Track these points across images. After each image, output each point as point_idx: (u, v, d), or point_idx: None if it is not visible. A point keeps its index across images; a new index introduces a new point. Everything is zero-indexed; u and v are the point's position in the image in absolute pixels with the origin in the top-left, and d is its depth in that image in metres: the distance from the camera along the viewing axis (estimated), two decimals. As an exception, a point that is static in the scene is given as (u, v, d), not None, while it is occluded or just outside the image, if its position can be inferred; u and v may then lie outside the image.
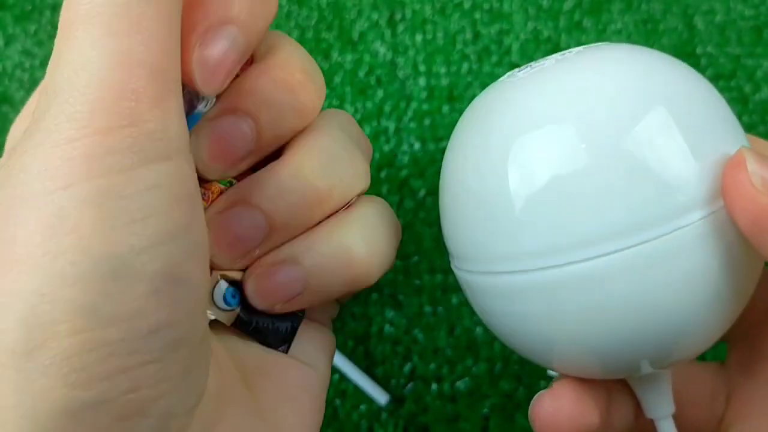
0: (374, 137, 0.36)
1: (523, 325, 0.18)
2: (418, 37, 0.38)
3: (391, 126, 0.36)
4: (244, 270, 0.20)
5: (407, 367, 0.32)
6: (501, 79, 0.19)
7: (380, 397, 0.31)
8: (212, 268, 0.19)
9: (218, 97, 0.19)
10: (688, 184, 0.16)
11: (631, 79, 0.17)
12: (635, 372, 0.18)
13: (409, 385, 0.32)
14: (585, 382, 0.19)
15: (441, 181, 0.20)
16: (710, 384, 0.22)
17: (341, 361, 0.31)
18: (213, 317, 0.19)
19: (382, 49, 0.38)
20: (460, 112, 0.21)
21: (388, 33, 0.39)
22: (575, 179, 0.16)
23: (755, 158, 0.16)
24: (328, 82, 0.38)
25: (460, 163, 0.19)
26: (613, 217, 0.16)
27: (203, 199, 0.19)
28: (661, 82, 0.17)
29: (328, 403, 0.32)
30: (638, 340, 0.17)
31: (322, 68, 0.39)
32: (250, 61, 0.20)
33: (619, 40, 0.38)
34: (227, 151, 0.19)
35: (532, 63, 0.19)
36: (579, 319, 0.17)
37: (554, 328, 0.17)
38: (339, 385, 0.32)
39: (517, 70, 0.19)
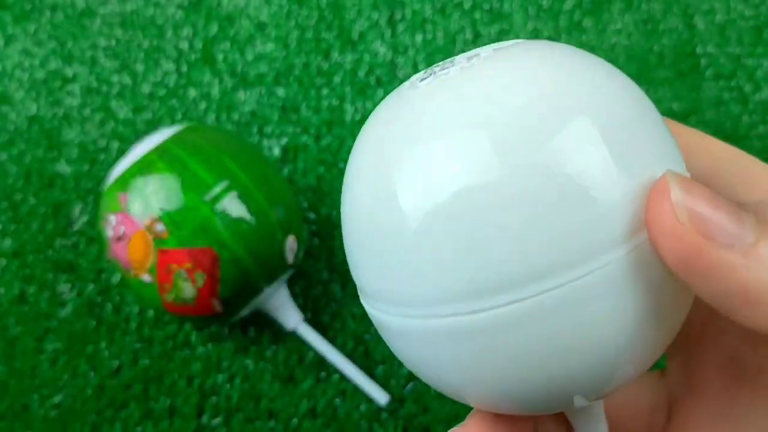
0: (374, 137, 0.36)
1: (436, 368, 0.16)
2: (418, 37, 0.38)
3: (391, 126, 0.36)
4: None
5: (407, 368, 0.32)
6: (402, 86, 0.17)
7: (380, 397, 0.31)
8: None
9: None
10: (610, 217, 0.14)
11: (546, 86, 0.14)
12: (567, 407, 0.16)
13: (409, 385, 0.32)
14: (503, 416, 0.18)
15: (342, 206, 0.17)
16: (650, 395, 0.21)
17: (341, 361, 0.31)
18: None
19: (382, 49, 0.38)
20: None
21: (388, 33, 0.39)
22: (478, 217, 0.13)
23: (680, 185, 0.14)
24: (328, 82, 0.38)
25: (356, 189, 0.16)
26: (526, 259, 0.13)
27: None
28: (582, 88, 0.15)
29: (328, 403, 0.32)
30: (567, 382, 0.15)
31: (321, 68, 0.39)
32: None
33: (619, 40, 0.38)
34: None
35: (437, 65, 0.16)
36: (499, 364, 0.14)
37: (472, 373, 0.15)
38: (339, 385, 0.32)
39: (419, 75, 0.16)
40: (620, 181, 0.14)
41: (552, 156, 0.13)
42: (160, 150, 0.28)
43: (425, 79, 0.16)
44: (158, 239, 0.27)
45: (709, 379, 0.19)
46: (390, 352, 0.32)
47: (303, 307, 0.33)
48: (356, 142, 0.17)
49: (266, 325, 0.33)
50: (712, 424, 0.18)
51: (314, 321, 0.33)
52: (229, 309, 0.29)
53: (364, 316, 0.33)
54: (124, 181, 0.28)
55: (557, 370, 0.14)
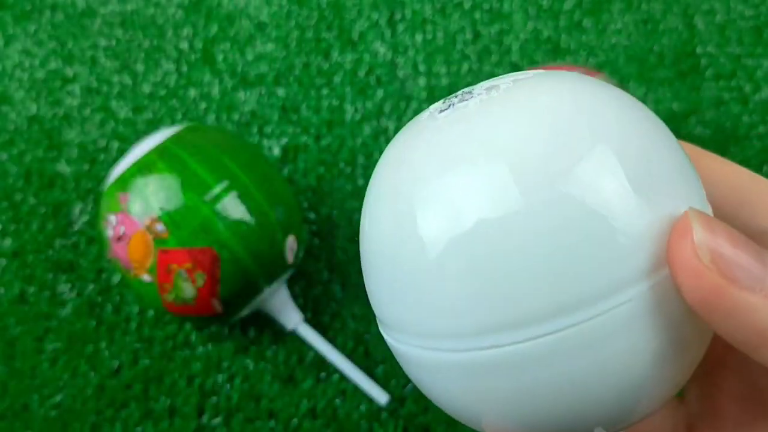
0: (374, 137, 0.36)
1: (454, 399, 0.16)
2: (418, 37, 0.38)
3: (391, 126, 0.36)
4: None
5: (407, 367, 0.32)
6: (420, 117, 0.17)
7: (380, 396, 0.31)
8: None
9: None
10: (632, 252, 0.13)
11: (566, 119, 0.14)
12: None
13: (409, 385, 0.32)
14: None
15: (360, 238, 0.17)
16: (670, 421, 0.21)
17: (341, 361, 0.31)
18: None
19: (382, 49, 0.38)
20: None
21: (388, 33, 0.39)
22: (498, 250, 0.13)
23: (703, 224, 0.13)
24: (328, 82, 0.38)
25: (375, 222, 0.16)
26: (546, 294, 0.13)
27: None
28: (602, 121, 0.14)
29: (328, 402, 0.32)
30: (586, 417, 0.15)
31: (321, 68, 0.39)
32: None
33: (619, 40, 0.38)
34: None
35: (456, 96, 0.16)
36: (518, 399, 0.14)
37: (490, 407, 0.15)
38: (339, 385, 0.32)
39: (438, 106, 0.16)
40: (642, 215, 0.14)
41: (573, 190, 0.13)
42: (160, 150, 0.28)
43: (444, 111, 0.16)
44: (158, 239, 0.27)
45: (728, 408, 0.19)
46: (390, 352, 0.32)
47: (303, 307, 0.33)
48: (375, 171, 0.17)
49: (266, 325, 0.33)
50: None
51: (314, 321, 0.33)
52: (229, 309, 0.29)
53: (364, 317, 0.33)
54: (124, 181, 0.28)
55: (578, 404, 0.14)
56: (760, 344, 0.13)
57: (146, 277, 0.27)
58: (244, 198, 0.28)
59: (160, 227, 0.27)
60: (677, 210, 0.14)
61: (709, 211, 0.16)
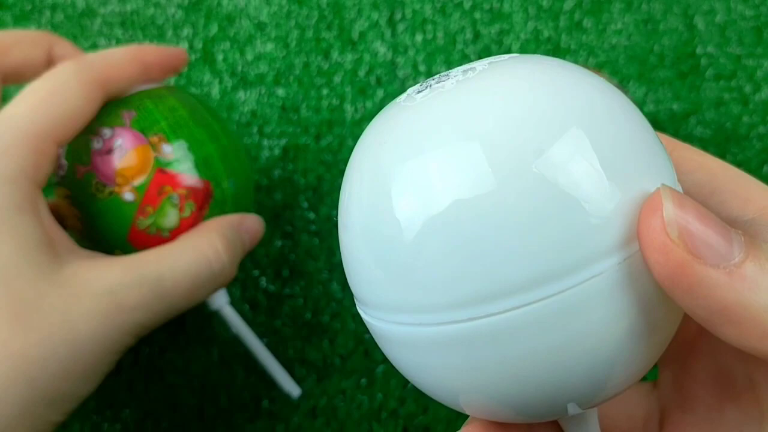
0: (374, 137, 0.36)
1: (431, 376, 0.16)
2: (418, 37, 0.38)
3: (391, 126, 0.36)
4: None
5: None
6: (398, 99, 0.17)
7: (293, 389, 0.31)
8: None
9: None
10: (602, 227, 0.14)
11: (541, 99, 0.15)
12: (561, 415, 0.17)
13: (410, 385, 0.32)
14: (498, 424, 0.18)
15: (339, 217, 0.17)
16: (643, 406, 0.21)
17: (260, 349, 0.31)
18: None
19: (382, 49, 0.38)
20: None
21: (388, 33, 0.39)
22: (472, 227, 0.14)
23: (674, 201, 0.14)
24: (328, 82, 0.38)
25: (354, 201, 0.16)
26: (521, 268, 0.14)
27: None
28: (576, 102, 0.15)
29: (328, 402, 0.32)
30: (560, 390, 0.15)
31: (321, 68, 0.39)
32: None
33: (619, 40, 0.38)
34: None
35: (433, 78, 0.16)
36: (494, 372, 0.15)
37: (467, 381, 0.15)
38: (339, 385, 0.32)
39: (416, 88, 0.16)
40: (612, 192, 0.14)
41: (545, 168, 0.14)
42: (169, 88, 0.29)
43: (421, 91, 0.16)
44: (161, 159, 0.27)
45: (700, 391, 0.19)
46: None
47: (303, 307, 0.33)
48: (353, 154, 0.17)
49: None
50: None
51: (314, 321, 0.33)
52: None
53: (364, 316, 0.33)
54: (131, 102, 0.27)
55: (551, 378, 0.15)
56: (722, 321, 0.14)
57: (128, 196, 0.26)
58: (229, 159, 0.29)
59: (167, 149, 0.27)
60: (649, 188, 0.14)
61: (680, 189, 0.16)
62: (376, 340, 0.17)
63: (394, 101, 0.17)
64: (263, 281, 0.34)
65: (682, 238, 0.13)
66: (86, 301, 0.23)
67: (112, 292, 0.23)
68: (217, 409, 0.32)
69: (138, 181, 0.26)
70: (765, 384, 0.17)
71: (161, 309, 0.24)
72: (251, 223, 0.28)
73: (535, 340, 0.14)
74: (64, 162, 0.27)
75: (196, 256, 0.25)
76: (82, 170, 0.27)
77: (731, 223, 0.17)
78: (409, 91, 0.17)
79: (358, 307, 0.18)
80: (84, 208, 0.27)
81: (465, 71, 0.16)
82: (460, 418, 0.31)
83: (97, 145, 0.27)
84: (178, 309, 0.25)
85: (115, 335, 0.23)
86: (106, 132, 0.27)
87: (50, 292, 0.23)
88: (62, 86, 0.25)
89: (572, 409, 0.16)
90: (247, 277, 0.34)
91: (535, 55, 0.17)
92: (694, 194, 0.18)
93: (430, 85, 0.16)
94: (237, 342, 0.33)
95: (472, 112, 0.14)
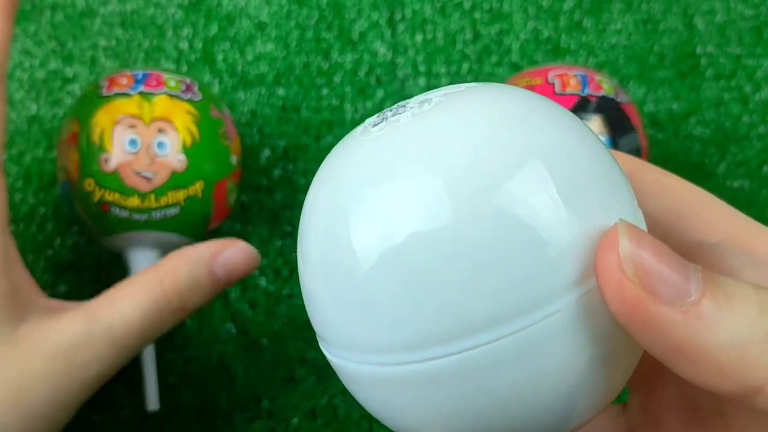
0: (374, 137, 0.36)
1: (395, 414, 0.16)
2: (418, 37, 0.38)
3: (391, 126, 0.36)
4: None
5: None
6: (354, 131, 0.17)
7: (152, 403, 0.30)
8: None
9: None
10: (561, 263, 0.14)
11: (496, 131, 0.14)
12: None
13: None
14: None
15: (297, 253, 0.17)
16: (612, 428, 0.21)
17: (148, 358, 0.30)
18: None
19: (382, 49, 0.38)
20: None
21: (388, 33, 0.39)
22: (428, 263, 0.13)
23: (630, 237, 0.13)
24: (328, 82, 0.38)
25: (311, 235, 0.16)
26: (480, 306, 0.13)
27: None
28: (532, 134, 0.15)
29: (329, 402, 0.32)
30: (524, 425, 0.15)
31: (321, 68, 0.39)
32: None
33: (619, 40, 0.38)
34: None
35: (390, 110, 0.16)
36: (457, 411, 0.14)
37: (431, 419, 0.15)
38: (339, 385, 0.32)
39: (372, 120, 0.16)
40: (572, 227, 0.14)
41: (503, 203, 0.13)
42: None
43: (378, 124, 0.16)
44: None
45: (667, 417, 0.19)
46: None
47: (303, 307, 0.33)
48: (311, 186, 0.17)
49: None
50: None
51: (314, 321, 0.33)
52: None
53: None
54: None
55: (515, 414, 0.15)
56: (678, 359, 0.13)
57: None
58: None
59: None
60: (607, 221, 0.14)
61: (641, 220, 0.16)
62: (340, 378, 0.17)
63: (350, 134, 0.17)
64: (263, 281, 0.34)
65: (637, 275, 0.13)
66: (39, 362, 0.22)
67: (64, 350, 0.23)
68: (217, 409, 0.32)
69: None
70: (732, 412, 0.17)
71: (115, 358, 0.24)
72: (231, 256, 0.26)
73: (495, 378, 0.14)
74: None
75: (146, 299, 0.24)
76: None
77: (697, 247, 0.17)
78: (366, 123, 0.16)
79: (320, 344, 0.17)
80: None
81: (421, 103, 0.16)
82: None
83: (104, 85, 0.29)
84: (134, 352, 0.24)
85: (70, 395, 0.23)
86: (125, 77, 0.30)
87: (5, 353, 0.22)
88: None
89: None
90: (246, 276, 0.34)
91: (491, 84, 0.17)
92: (659, 218, 0.18)
93: (386, 118, 0.16)
94: (237, 342, 0.33)
95: (427, 146, 0.14)
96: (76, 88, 0.38)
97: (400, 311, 0.14)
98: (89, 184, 0.28)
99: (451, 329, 0.14)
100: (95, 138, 0.28)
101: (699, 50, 0.38)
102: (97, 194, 0.28)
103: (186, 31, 0.39)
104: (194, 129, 0.29)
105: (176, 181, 0.28)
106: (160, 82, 0.29)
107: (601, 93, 0.30)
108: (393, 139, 0.15)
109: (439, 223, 0.13)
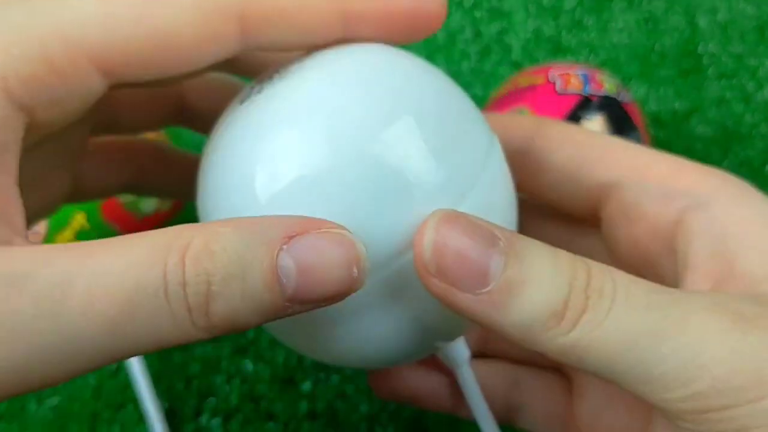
0: (374, 136, 0.36)
1: (298, 341, 0.19)
2: (419, 36, 0.38)
3: (391, 125, 0.36)
4: None
5: (407, 368, 0.32)
6: (241, 93, 0.18)
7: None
8: None
9: None
10: (425, 207, 0.15)
11: (371, 88, 0.16)
12: (434, 351, 0.19)
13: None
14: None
15: (197, 202, 0.18)
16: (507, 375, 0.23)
17: (137, 370, 0.30)
18: None
19: (382, 48, 0.38)
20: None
21: (388, 32, 0.38)
22: (311, 208, 0.15)
23: (438, 226, 0.14)
24: (328, 81, 0.38)
25: (210, 183, 0.17)
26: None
27: None
28: (404, 89, 0.16)
29: (328, 404, 0.32)
30: (424, 339, 0.17)
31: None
32: None
33: (621, 39, 0.38)
34: None
35: (278, 72, 0.17)
36: (353, 341, 0.17)
37: (327, 348, 0.18)
38: (339, 387, 0.32)
39: (261, 77, 0.18)
40: (437, 172, 0.15)
41: (377, 150, 0.15)
42: None
43: (264, 83, 0.17)
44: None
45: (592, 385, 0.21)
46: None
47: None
48: (209, 141, 0.18)
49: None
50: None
51: (314, 322, 0.33)
52: None
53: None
54: None
55: (416, 330, 0.17)
56: (494, 337, 0.16)
57: None
58: None
59: None
60: (472, 165, 0.16)
61: (498, 150, 0.17)
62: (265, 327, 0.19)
63: (239, 95, 0.18)
64: (262, 282, 0.34)
65: (440, 270, 0.14)
66: None
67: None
68: (217, 409, 0.32)
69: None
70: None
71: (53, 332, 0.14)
72: (316, 241, 0.14)
73: (385, 308, 0.16)
74: None
75: (136, 260, 0.14)
76: None
77: (599, 189, 0.19)
78: (253, 82, 0.18)
79: None
80: None
81: (301, 61, 0.17)
82: (461, 420, 0.31)
83: None
84: (82, 339, 0.14)
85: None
86: None
87: None
88: None
89: (441, 344, 0.19)
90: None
91: (367, 44, 0.18)
92: (566, 168, 0.19)
93: (273, 78, 0.17)
94: (235, 342, 0.33)
95: (313, 100, 0.16)
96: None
97: None
98: None
99: None
100: None
101: (701, 49, 0.38)
102: None
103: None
104: None
105: None
106: None
107: (604, 92, 0.30)
108: (280, 94, 0.16)
109: (320, 167, 0.15)
